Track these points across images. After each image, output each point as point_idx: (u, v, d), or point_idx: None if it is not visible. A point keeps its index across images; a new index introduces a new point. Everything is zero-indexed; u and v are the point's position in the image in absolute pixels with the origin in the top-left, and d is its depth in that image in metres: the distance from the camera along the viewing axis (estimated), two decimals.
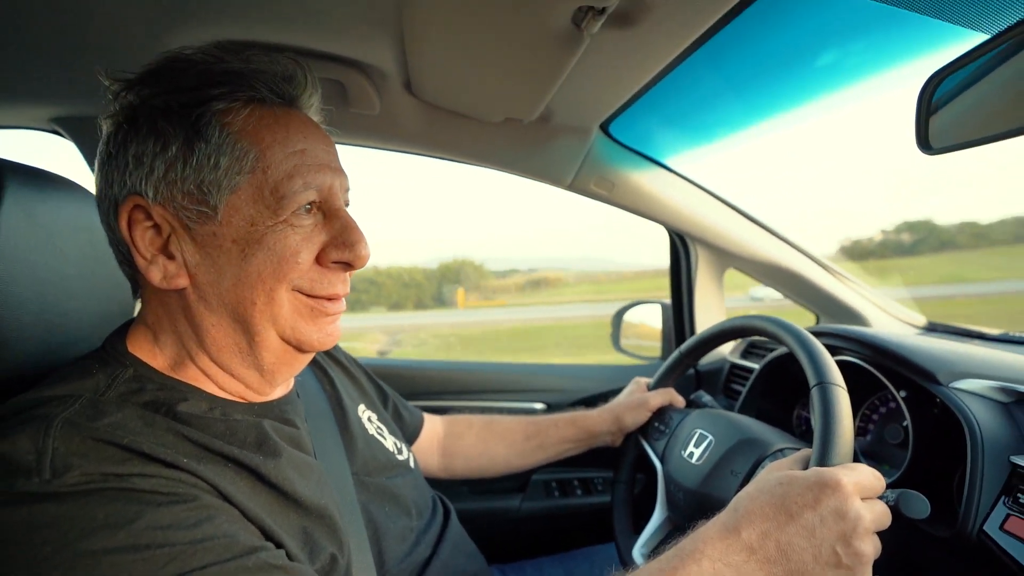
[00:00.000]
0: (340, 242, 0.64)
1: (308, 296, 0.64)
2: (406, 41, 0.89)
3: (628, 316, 1.71)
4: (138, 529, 0.46)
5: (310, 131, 0.65)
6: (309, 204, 0.62)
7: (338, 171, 0.66)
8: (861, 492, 0.61)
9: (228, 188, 0.59)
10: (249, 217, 0.59)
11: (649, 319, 1.73)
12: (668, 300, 1.69)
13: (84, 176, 1.10)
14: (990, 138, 0.57)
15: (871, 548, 0.59)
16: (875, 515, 0.60)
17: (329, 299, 0.65)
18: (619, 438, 1.16)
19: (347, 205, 0.69)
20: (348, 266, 0.66)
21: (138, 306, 0.68)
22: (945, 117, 0.60)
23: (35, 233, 0.67)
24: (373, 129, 1.22)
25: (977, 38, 0.57)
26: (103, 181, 0.61)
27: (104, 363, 0.60)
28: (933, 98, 0.60)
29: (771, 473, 0.66)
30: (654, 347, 1.71)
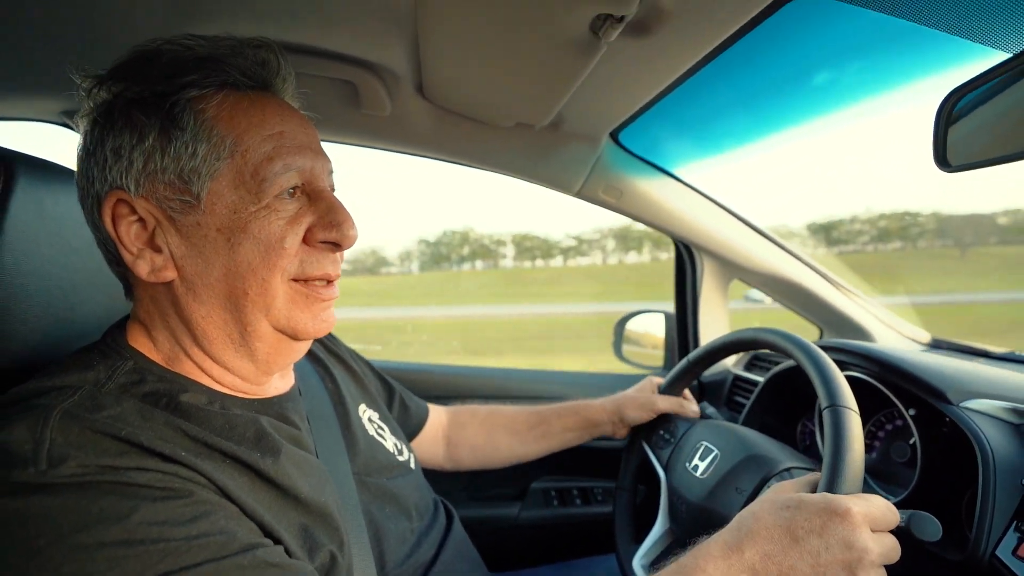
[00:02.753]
0: (326, 223, 0.63)
1: (302, 283, 0.63)
2: (420, 43, 0.88)
3: (630, 325, 1.70)
4: (132, 524, 0.46)
5: (287, 114, 0.64)
6: (292, 189, 0.62)
7: (319, 153, 0.65)
8: (871, 524, 0.59)
9: (208, 175, 0.58)
10: (232, 204, 0.59)
11: (652, 328, 1.72)
12: (671, 309, 1.68)
13: None
14: (1009, 157, 0.57)
15: None
16: (884, 549, 0.59)
17: (322, 281, 0.65)
18: (620, 429, 1.14)
19: (332, 189, 0.68)
20: (336, 246, 0.65)
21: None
22: (964, 134, 0.60)
23: (44, 225, 0.67)
24: (383, 131, 1.22)
25: (998, 56, 0.57)
26: (84, 179, 0.61)
27: (104, 355, 0.60)
28: (952, 114, 0.60)
29: (778, 495, 0.65)
30: (656, 356, 1.71)
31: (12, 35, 0.90)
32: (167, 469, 0.50)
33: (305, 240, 0.63)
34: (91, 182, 0.60)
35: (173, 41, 0.60)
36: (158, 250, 0.59)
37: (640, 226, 1.43)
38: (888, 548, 0.59)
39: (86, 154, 0.60)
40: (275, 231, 0.60)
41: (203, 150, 0.58)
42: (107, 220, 0.59)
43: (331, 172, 0.68)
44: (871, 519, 0.59)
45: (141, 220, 0.59)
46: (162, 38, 0.60)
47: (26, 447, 0.46)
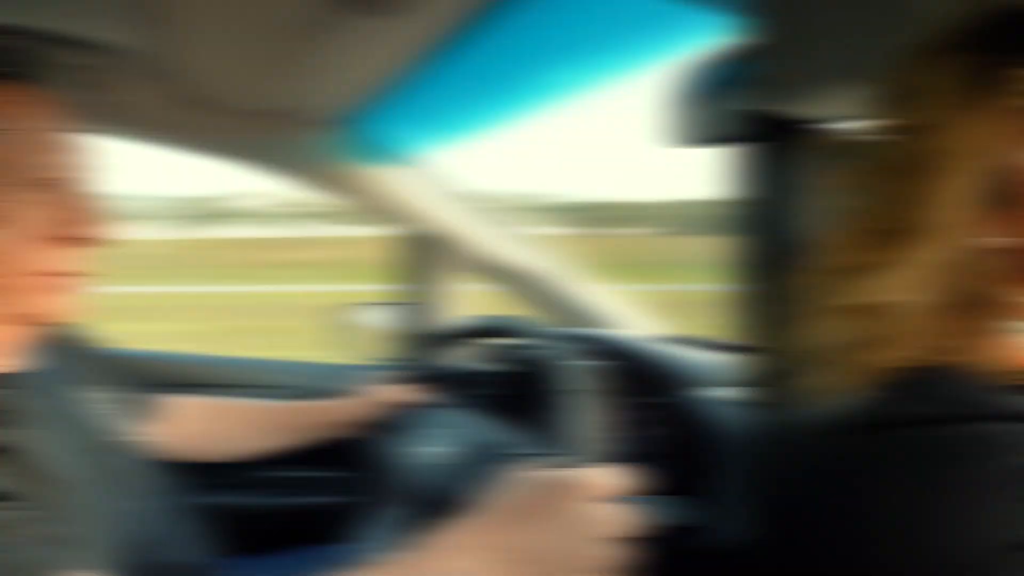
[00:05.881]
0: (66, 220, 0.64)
1: (42, 276, 0.62)
2: (149, 21, 0.82)
3: (353, 317, 1.65)
4: None
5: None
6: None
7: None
8: (593, 493, 0.59)
9: None
10: None
11: (381, 320, 1.70)
12: (402, 301, 1.66)
13: None
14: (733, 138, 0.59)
15: (602, 552, 0.56)
16: (609, 518, 0.58)
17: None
18: (335, 432, 1.14)
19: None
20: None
21: None
22: (699, 112, 0.62)
23: None
24: (115, 118, 1.13)
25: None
26: None
27: None
28: (691, 91, 0.62)
29: (501, 481, 0.64)
30: (383, 348, 1.67)
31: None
32: None
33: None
34: None
35: None
36: None
37: None
38: (615, 516, 0.59)
39: None
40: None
41: None
42: None
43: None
44: (593, 488, 0.59)
45: None
46: None
47: None
